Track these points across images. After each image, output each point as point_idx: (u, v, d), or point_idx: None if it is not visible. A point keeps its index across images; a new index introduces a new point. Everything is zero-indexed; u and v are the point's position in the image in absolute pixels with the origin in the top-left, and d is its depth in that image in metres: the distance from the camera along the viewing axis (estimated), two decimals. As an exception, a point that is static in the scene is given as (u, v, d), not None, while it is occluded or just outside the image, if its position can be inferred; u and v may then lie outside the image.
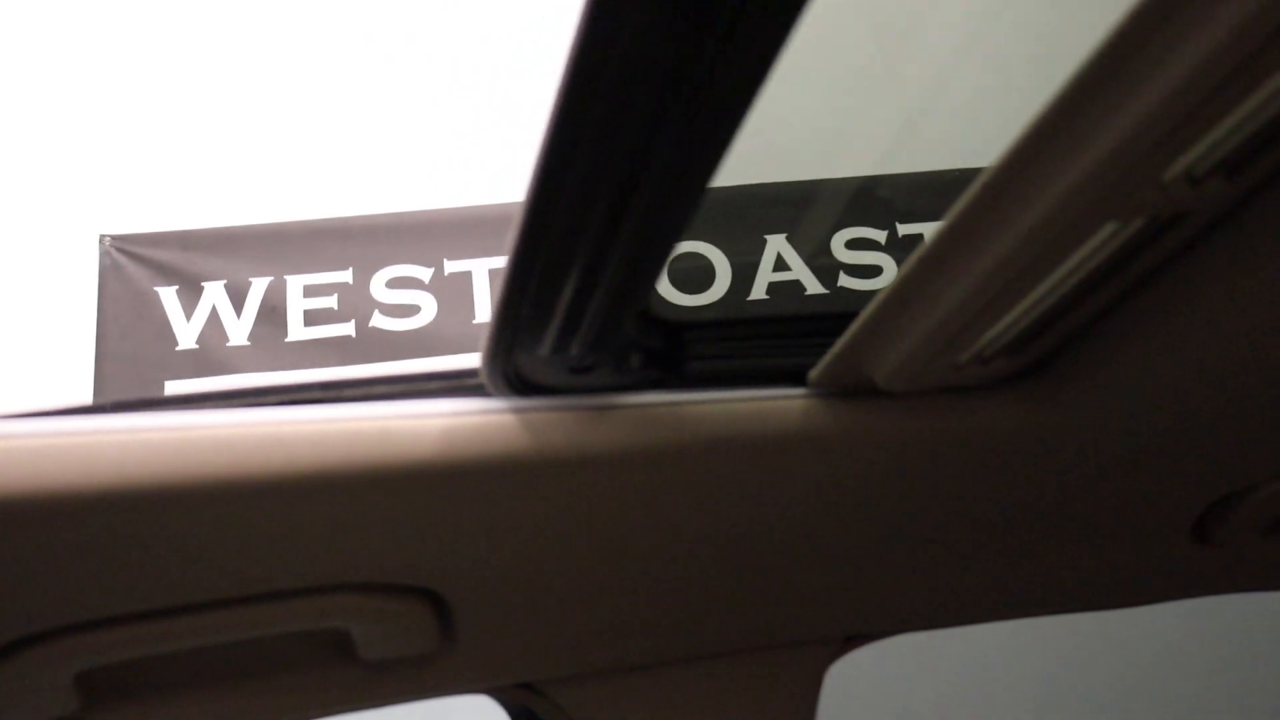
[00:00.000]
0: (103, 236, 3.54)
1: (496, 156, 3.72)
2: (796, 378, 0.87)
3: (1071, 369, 0.85)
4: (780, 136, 3.71)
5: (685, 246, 3.53)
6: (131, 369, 3.40)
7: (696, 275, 3.50)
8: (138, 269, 3.51)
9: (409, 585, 0.95)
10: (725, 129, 0.64)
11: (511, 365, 0.82)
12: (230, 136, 3.77)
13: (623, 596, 1.05)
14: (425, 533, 0.89)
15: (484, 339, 0.80)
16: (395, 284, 3.49)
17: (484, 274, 3.49)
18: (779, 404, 0.86)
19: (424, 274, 3.50)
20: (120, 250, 3.52)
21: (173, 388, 3.39)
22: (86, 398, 3.37)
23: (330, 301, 3.46)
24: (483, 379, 0.84)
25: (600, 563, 0.98)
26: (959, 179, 3.55)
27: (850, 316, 0.80)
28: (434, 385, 0.87)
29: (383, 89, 3.86)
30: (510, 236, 0.70)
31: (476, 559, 0.94)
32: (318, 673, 1.06)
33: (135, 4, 3.98)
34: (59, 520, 0.79)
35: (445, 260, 3.51)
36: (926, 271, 0.72)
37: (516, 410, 0.83)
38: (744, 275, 3.49)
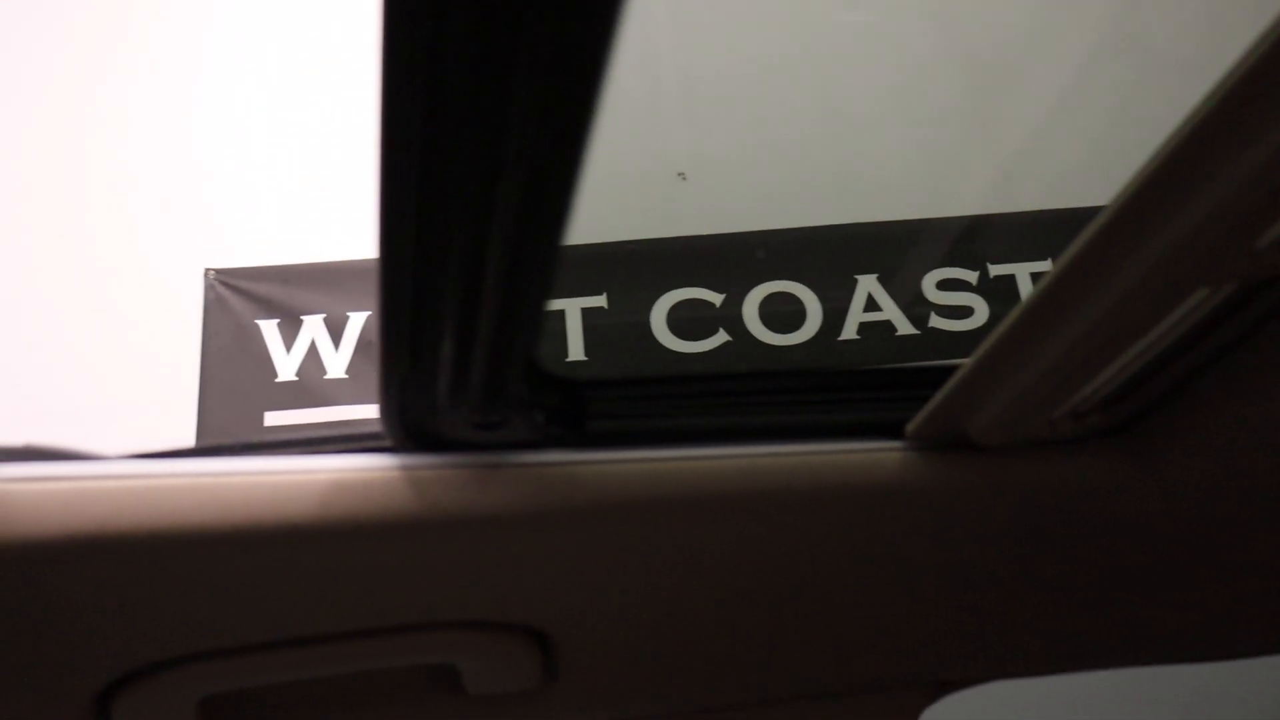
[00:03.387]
0: (208, 270, 3.66)
1: (589, 197, 3.77)
2: (893, 431, 0.89)
3: (1164, 426, 0.87)
4: (871, 175, 3.72)
5: (775, 286, 3.55)
6: (233, 399, 3.49)
7: (786, 316, 3.52)
8: (240, 302, 3.61)
9: (517, 623, 0.98)
10: (560, 187, 0.63)
11: (415, 419, 0.82)
12: (332, 172, 3.87)
13: (722, 638, 1.07)
14: (535, 573, 0.92)
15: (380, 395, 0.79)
16: (488, 318, 3.54)
17: (577, 312, 3.54)
18: (877, 456, 0.88)
19: (518, 309, 3.55)
20: (224, 284, 3.63)
21: (272, 419, 3.47)
22: (191, 423, 3.46)
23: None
24: (384, 432, 0.83)
25: (702, 604, 1.01)
26: (1051, 220, 3.54)
27: (735, 376, 0.79)
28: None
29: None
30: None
31: (584, 600, 0.97)
32: (425, 706, 1.09)
33: (242, 44, 4.10)
34: (185, 555, 0.83)
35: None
36: (1026, 328, 0.73)
37: (616, 461, 0.86)
38: (834, 316, 3.51)
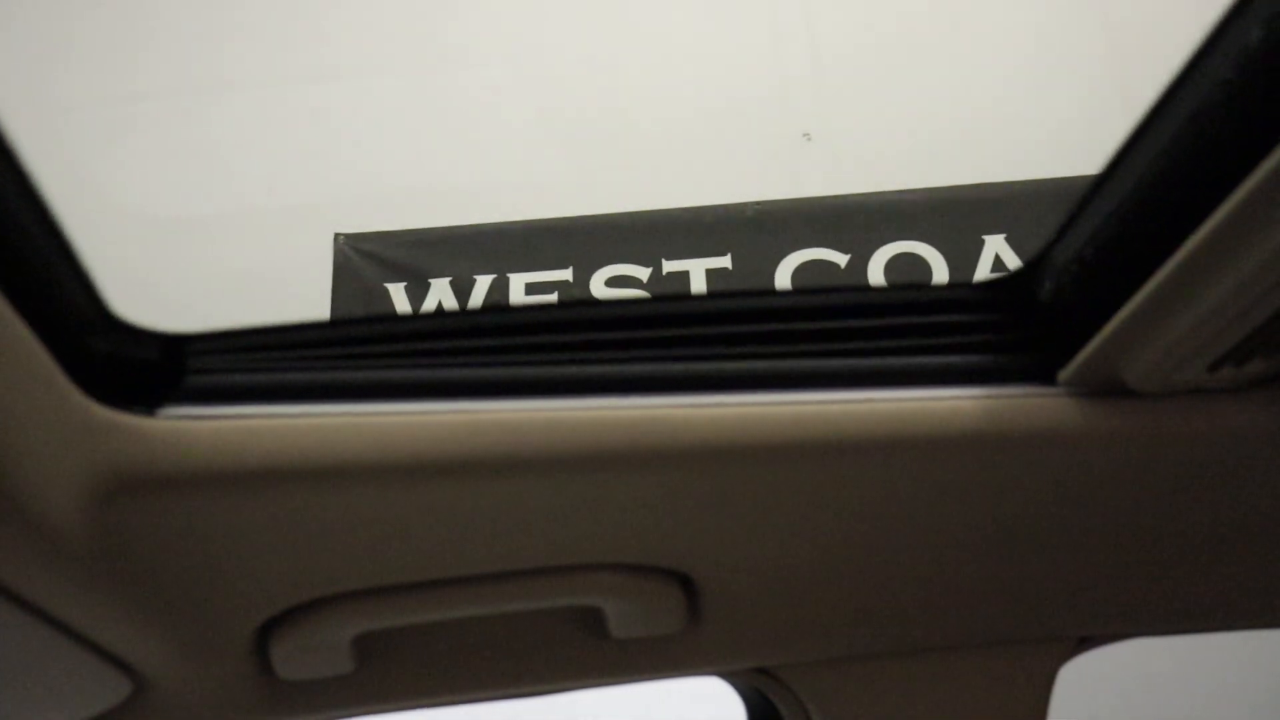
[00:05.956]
0: (337, 235, 3.73)
1: (713, 158, 3.77)
2: (1045, 376, 0.88)
3: None
4: (998, 136, 3.66)
5: (901, 247, 3.52)
6: (362, 361, 3.56)
7: (912, 276, 3.49)
8: (369, 266, 3.68)
9: (662, 567, 1.00)
10: None
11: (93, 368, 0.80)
12: (455, 139, 3.91)
13: (863, 586, 1.07)
14: (680, 516, 0.93)
15: None
16: (614, 283, 3.57)
17: (701, 273, 3.55)
18: (1030, 402, 0.87)
19: (642, 273, 3.58)
20: (353, 248, 3.71)
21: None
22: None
23: (551, 299, 3.56)
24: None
25: (847, 551, 1.01)
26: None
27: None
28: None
29: (602, 91, 3.95)
30: None
31: (729, 544, 0.98)
32: (569, 648, 1.11)
33: (370, 15, 4.16)
34: (343, 494, 0.86)
35: (664, 260, 3.58)
36: (1189, 271, 0.72)
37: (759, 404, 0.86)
38: (961, 277, 3.47)
